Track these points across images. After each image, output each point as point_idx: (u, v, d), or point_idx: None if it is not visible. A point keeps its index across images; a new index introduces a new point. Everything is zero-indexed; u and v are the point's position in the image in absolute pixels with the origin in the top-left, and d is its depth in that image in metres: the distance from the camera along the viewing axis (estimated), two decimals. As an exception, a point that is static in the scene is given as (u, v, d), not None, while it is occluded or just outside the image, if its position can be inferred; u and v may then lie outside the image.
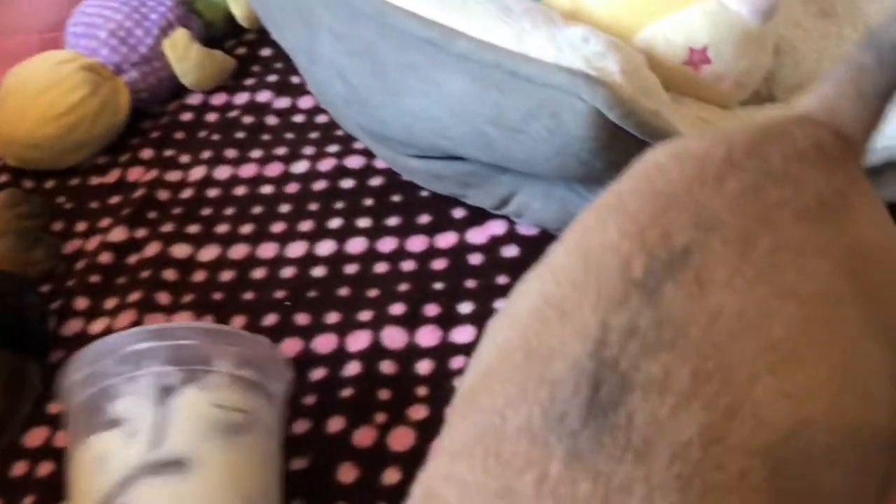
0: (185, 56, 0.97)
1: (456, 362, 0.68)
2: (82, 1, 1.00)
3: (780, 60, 0.68)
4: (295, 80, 1.00)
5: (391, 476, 0.62)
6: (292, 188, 0.87)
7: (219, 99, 1.00)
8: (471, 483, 0.30)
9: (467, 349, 0.69)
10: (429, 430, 0.64)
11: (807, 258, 0.35)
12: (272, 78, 1.01)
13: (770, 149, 0.37)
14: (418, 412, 0.65)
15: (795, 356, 0.32)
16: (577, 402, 0.30)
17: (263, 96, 0.99)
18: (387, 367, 0.69)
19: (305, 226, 0.83)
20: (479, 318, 0.70)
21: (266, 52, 1.05)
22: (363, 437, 0.64)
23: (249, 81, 1.01)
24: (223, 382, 0.55)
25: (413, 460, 0.62)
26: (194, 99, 1.00)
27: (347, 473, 0.62)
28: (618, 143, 0.52)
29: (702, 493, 0.28)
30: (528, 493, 0.28)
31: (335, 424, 0.65)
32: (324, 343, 0.71)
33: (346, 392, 0.67)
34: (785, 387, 0.31)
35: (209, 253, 0.81)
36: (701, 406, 0.30)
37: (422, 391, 0.67)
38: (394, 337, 0.71)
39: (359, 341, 0.71)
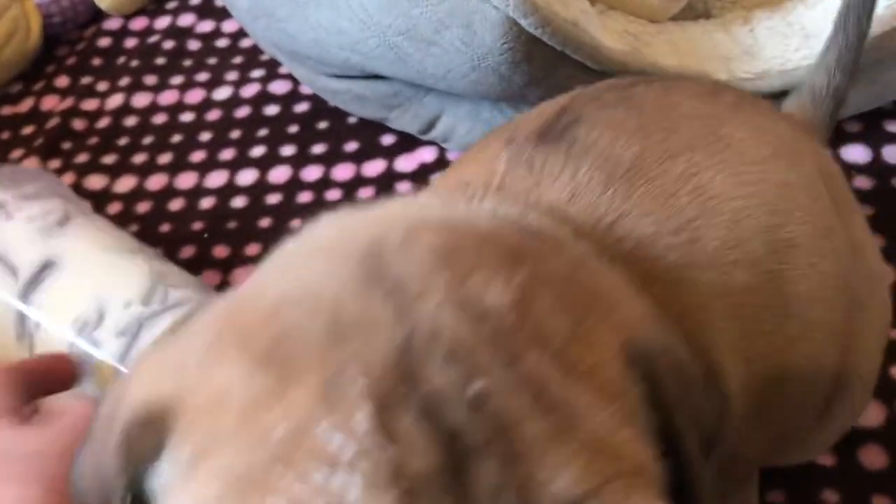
0: (99, -24, 0.91)
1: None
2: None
3: (715, -26, 0.65)
4: (219, 1, 0.94)
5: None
6: (214, 115, 0.83)
7: (138, 24, 0.94)
8: None
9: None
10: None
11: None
12: (195, 0, 0.96)
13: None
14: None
15: None
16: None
17: (186, 20, 0.94)
18: (308, 299, 0.66)
19: (227, 154, 0.79)
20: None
21: (190, -28, 0.99)
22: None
23: (171, 4, 0.96)
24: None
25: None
26: (112, 24, 0.95)
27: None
28: (536, 55, 0.49)
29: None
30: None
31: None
32: (243, 275, 0.68)
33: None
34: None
35: (125, 184, 0.77)
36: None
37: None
38: (316, 268, 0.68)
39: (280, 273, 0.68)
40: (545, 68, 0.50)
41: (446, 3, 0.47)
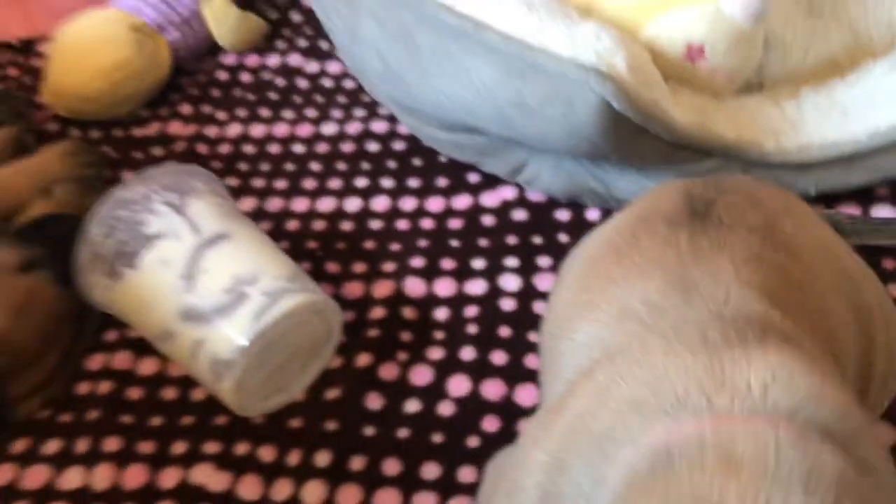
0: (221, 19, 1.04)
1: (469, 311, 0.77)
2: (126, -38, 1.06)
3: (770, 54, 0.76)
4: (324, 45, 1.07)
5: (412, 406, 0.71)
6: (322, 148, 0.95)
7: (252, 60, 1.07)
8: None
9: (480, 300, 0.78)
10: (445, 368, 0.73)
11: None
12: (303, 43, 1.09)
13: None
14: (435, 353, 0.75)
15: None
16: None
17: (294, 60, 1.07)
18: (408, 312, 0.78)
19: (334, 184, 0.91)
20: (491, 273, 0.79)
21: (296, 17, 1.12)
22: (387, 371, 0.74)
23: (281, 45, 1.09)
24: (199, 191, 0.74)
25: (431, 393, 0.72)
26: (229, 59, 1.08)
27: (374, 402, 0.72)
28: (621, 127, 0.61)
29: None
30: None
31: (363, 360, 0.75)
32: (352, 290, 0.80)
33: (373, 332, 0.77)
34: None
35: (247, 204, 0.90)
36: None
37: (439, 335, 0.76)
38: (414, 286, 0.80)
39: (383, 289, 0.80)
40: (628, 138, 0.61)
41: (553, 84, 0.59)
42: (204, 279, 0.68)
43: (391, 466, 0.68)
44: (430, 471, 0.67)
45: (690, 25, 0.66)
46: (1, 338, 0.72)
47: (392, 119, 0.95)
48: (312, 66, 1.05)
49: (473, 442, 0.68)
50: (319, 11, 0.82)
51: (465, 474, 0.66)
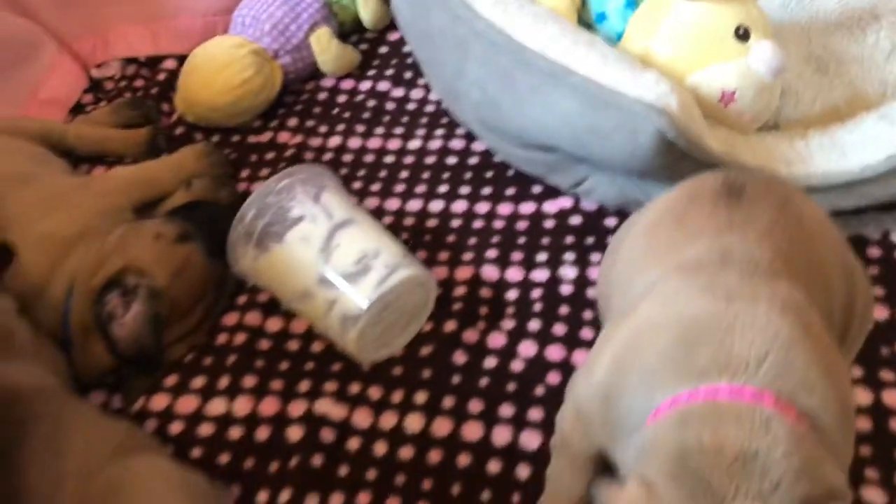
0: (326, 49, 1.24)
1: (535, 293, 0.96)
2: (247, -3, 1.27)
3: (785, 101, 0.95)
4: (408, 74, 1.27)
5: (490, 362, 0.90)
6: (409, 160, 1.14)
7: (347, 84, 1.27)
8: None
9: (543, 285, 0.96)
10: (516, 335, 0.92)
11: None
12: (389, 71, 1.28)
13: None
14: (508, 324, 0.93)
15: None
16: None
17: (383, 86, 1.26)
18: (485, 292, 0.97)
19: (420, 189, 1.10)
20: (552, 265, 0.98)
21: (383, 49, 1.32)
22: (469, 336, 0.92)
23: (371, 73, 1.29)
24: (329, 186, 0.93)
25: (506, 354, 0.90)
26: (327, 82, 1.28)
27: (459, 357, 0.90)
28: (670, 152, 0.80)
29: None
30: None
31: (449, 326, 0.93)
32: (438, 273, 0.99)
33: (457, 306, 0.95)
34: None
35: (348, 202, 1.09)
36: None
37: (510, 310, 0.94)
38: (489, 273, 0.99)
39: (464, 273, 0.99)
40: (673, 161, 0.81)
41: (622, 117, 0.78)
42: (337, 253, 0.87)
43: (475, 405, 0.86)
44: (506, 410, 0.86)
45: (725, 77, 0.85)
46: (164, 291, 0.91)
47: (468, 138, 1.14)
48: (398, 92, 1.25)
49: (540, 391, 0.87)
50: (427, 50, 1.01)
51: (534, 414, 0.85)
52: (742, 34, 0.85)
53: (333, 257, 0.86)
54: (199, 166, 1.10)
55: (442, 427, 0.85)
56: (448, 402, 0.87)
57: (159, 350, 0.90)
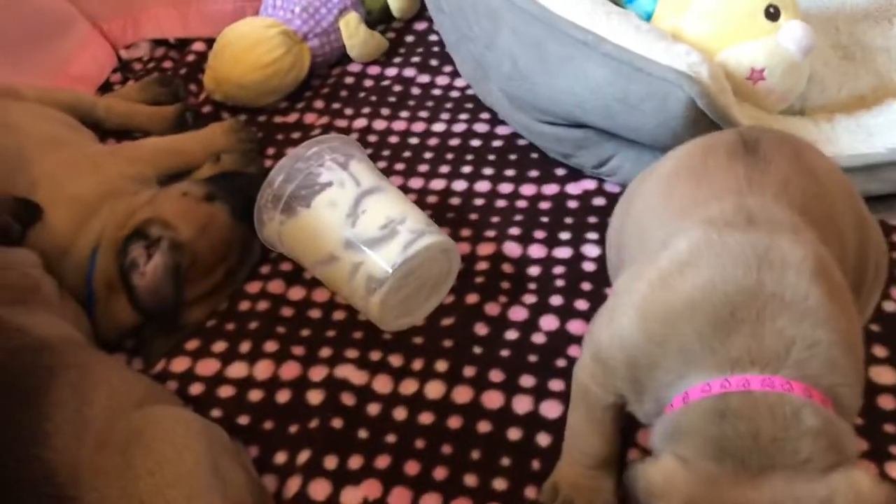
0: (354, 34, 1.26)
1: (557, 269, 0.96)
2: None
3: (811, 87, 0.96)
4: (433, 62, 1.28)
5: (511, 334, 0.90)
6: (433, 142, 1.15)
7: (373, 70, 1.28)
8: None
9: (566, 262, 0.96)
10: (537, 309, 0.92)
11: None
12: (415, 59, 1.29)
13: None
14: (529, 298, 0.93)
15: None
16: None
17: (409, 72, 1.27)
18: (507, 267, 0.97)
19: (444, 169, 1.11)
20: (575, 243, 0.98)
21: (410, 38, 1.34)
22: (491, 308, 0.92)
23: (397, 59, 1.30)
24: (356, 155, 0.94)
25: (527, 327, 0.90)
26: (354, 67, 1.29)
27: (481, 329, 0.90)
28: (699, 123, 0.80)
29: None
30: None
31: (471, 299, 0.94)
32: (461, 248, 0.99)
33: (479, 279, 0.95)
34: None
35: (372, 179, 1.09)
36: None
37: (532, 285, 0.95)
38: (511, 249, 0.99)
39: (486, 249, 0.99)
40: (702, 131, 0.81)
41: (653, 85, 0.79)
42: (364, 218, 0.87)
43: (496, 375, 0.86)
44: (527, 381, 0.85)
45: (754, 54, 0.86)
46: (187, 245, 0.91)
47: (492, 123, 1.15)
48: (424, 78, 1.26)
49: (561, 363, 0.86)
50: (455, 27, 1.02)
51: (555, 385, 0.84)
52: (772, 13, 0.86)
53: (360, 222, 0.87)
54: (228, 141, 1.11)
55: (462, 395, 0.85)
56: (469, 371, 0.87)
57: (178, 303, 0.90)
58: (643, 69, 0.79)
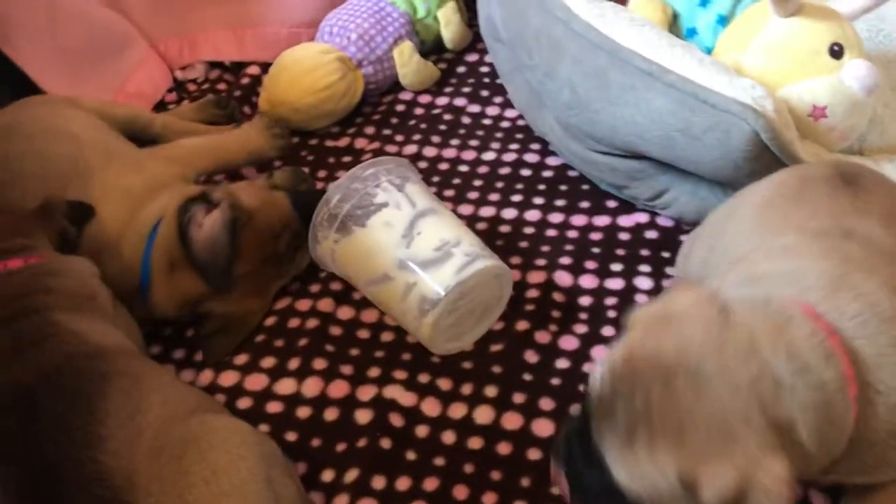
0: (407, 62, 1.28)
1: (609, 301, 0.95)
2: (334, 7, 1.31)
3: (871, 128, 0.95)
4: (484, 93, 1.29)
5: (562, 363, 0.89)
6: (483, 170, 1.16)
7: (424, 98, 1.30)
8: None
9: (618, 294, 0.96)
10: (589, 339, 0.91)
11: None
12: (466, 89, 1.31)
13: None
14: (581, 328, 0.92)
15: None
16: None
17: (459, 101, 1.29)
18: (557, 296, 0.96)
19: (493, 197, 1.11)
20: (627, 275, 0.97)
21: (461, 69, 1.35)
22: (541, 337, 0.92)
23: (448, 89, 1.31)
24: (412, 178, 0.95)
25: (578, 356, 0.89)
26: (405, 96, 1.30)
27: (531, 357, 0.90)
28: (762, 158, 0.80)
29: None
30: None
31: (521, 326, 0.93)
32: (512, 275, 0.99)
33: (529, 307, 0.95)
34: None
35: (422, 205, 1.10)
36: None
37: (583, 315, 0.94)
38: (562, 278, 0.98)
39: (536, 277, 0.99)
40: (765, 165, 0.81)
41: (716, 116, 0.79)
42: (418, 240, 0.87)
43: (546, 403, 0.85)
44: (576, 409, 0.84)
45: (817, 91, 0.86)
46: (248, 208, 0.94)
47: (542, 154, 1.15)
48: (474, 108, 1.27)
49: (613, 393, 0.85)
50: (512, 55, 1.03)
51: (607, 415, 0.83)
52: (836, 51, 0.86)
53: (415, 243, 0.87)
54: (263, 137, 1.14)
55: (512, 421, 0.84)
56: (518, 397, 0.86)
57: (231, 258, 0.91)
58: (707, 100, 0.80)
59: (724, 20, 0.96)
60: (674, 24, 1.00)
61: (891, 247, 0.59)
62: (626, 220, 1.05)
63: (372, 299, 0.93)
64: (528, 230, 1.06)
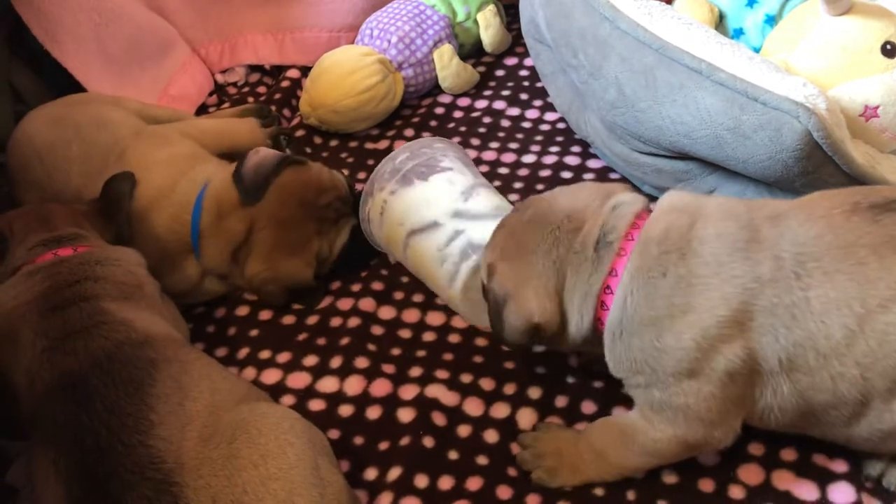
0: (447, 66, 1.28)
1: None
2: (374, 11, 1.32)
3: (921, 131, 0.94)
4: (523, 96, 1.29)
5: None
6: (523, 172, 1.15)
7: (463, 102, 1.30)
8: None
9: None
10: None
11: None
12: (505, 92, 1.31)
13: None
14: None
15: None
16: None
17: (498, 104, 1.28)
18: (601, 298, 0.95)
19: (535, 199, 1.10)
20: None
21: (500, 72, 1.35)
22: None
23: (487, 92, 1.31)
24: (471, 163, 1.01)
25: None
26: (444, 99, 1.31)
27: (573, 360, 0.89)
28: (813, 156, 0.79)
29: None
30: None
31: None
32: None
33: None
34: None
35: (463, 206, 1.10)
36: None
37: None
38: (605, 281, 0.97)
39: (579, 280, 0.98)
40: (816, 166, 0.79)
41: (767, 115, 0.78)
42: (476, 198, 0.91)
43: (588, 406, 0.84)
44: (620, 413, 0.83)
45: (869, 90, 0.85)
46: (301, 159, 1.01)
47: (582, 155, 1.15)
48: (514, 111, 1.27)
49: (658, 395, 0.84)
50: (556, 56, 1.03)
51: (653, 417, 0.82)
52: (889, 50, 0.85)
53: (472, 200, 0.92)
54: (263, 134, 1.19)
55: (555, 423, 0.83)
56: (561, 401, 0.85)
57: (270, 176, 0.97)
58: (758, 98, 0.79)
59: (772, 20, 0.95)
60: (720, 24, 0.99)
61: None
62: (669, 223, 1.04)
63: (409, 254, 0.93)
64: (570, 232, 1.05)
